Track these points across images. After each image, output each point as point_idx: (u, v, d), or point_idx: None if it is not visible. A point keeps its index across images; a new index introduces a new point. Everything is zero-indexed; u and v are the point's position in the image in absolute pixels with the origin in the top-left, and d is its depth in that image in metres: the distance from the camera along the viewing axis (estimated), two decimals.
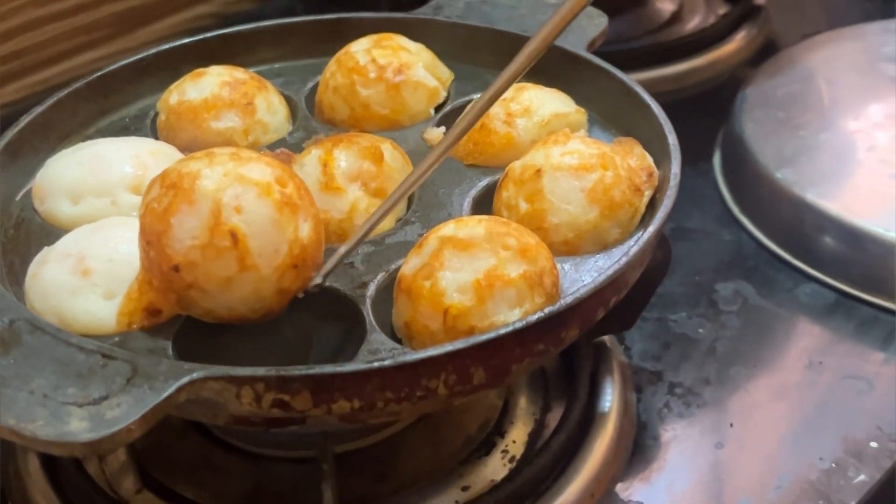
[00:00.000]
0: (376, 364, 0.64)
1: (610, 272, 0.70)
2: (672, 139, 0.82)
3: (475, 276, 0.70)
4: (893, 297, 1.00)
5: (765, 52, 1.40)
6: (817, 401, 0.91)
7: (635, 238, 0.78)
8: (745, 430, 0.89)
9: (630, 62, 0.96)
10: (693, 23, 1.46)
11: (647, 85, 0.89)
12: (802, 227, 1.06)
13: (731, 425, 0.89)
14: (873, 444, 0.87)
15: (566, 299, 0.68)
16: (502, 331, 0.66)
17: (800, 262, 1.06)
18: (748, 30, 1.44)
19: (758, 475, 0.85)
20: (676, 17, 1.47)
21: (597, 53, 0.94)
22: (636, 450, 0.87)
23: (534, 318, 0.67)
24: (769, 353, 0.97)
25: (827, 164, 1.10)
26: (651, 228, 0.74)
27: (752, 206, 1.13)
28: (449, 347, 0.65)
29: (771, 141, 1.14)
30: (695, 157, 1.19)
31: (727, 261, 1.08)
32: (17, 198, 0.85)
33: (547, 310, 0.67)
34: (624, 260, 0.71)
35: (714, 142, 1.24)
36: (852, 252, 1.02)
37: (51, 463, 0.84)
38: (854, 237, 1.02)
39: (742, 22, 1.45)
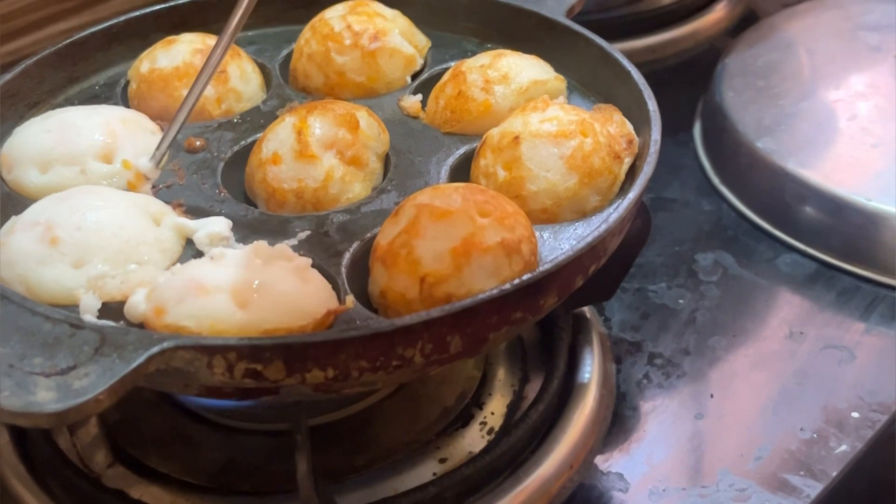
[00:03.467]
0: (351, 333, 0.63)
1: (589, 239, 0.69)
2: (652, 105, 0.80)
3: (452, 243, 0.69)
4: (874, 267, 0.99)
5: (745, 22, 1.39)
6: (798, 371, 0.91)
7: (615, 205, 0.77)
8: (724, 401, 0.88)
9: (609, 32, 0.94)
10: None
11: (626, 55, 0.87)
12: (783, 196, 1.05)
13: (711, 396, 0.89)
14: (855, 415, 0.86)
15: (544, 266, 0.67)
16: (479, 298, 0.65)
17: (780, 231, 1.05)
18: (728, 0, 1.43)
19: (738, 446, 0.84)
20: None
21: (576, 22, 0.92)
22: (615, 421, 0.87)
23: (511, 285, 0.65)
24: (749, 324, 0.96)
25: (807, 133, 1.09)
26: (631, 195, 0.73)
27: (732, 176, 1.12)
28: (424, 316, 0.64)
29: (751, 110, 1.13)
30: (675, 128, 1.18)
31: (707, 231, 1.07)
32: None
33: (524, 277, 0.66)
34: (603, 227, 0.70)
35: (694, 112, 1.23)
36: (833, 222, 1.02)
37: (21, 437, 0.83)
38: (835, 207, 1.02)
39: None
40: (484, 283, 0.69)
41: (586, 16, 0.96)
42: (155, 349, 0.61)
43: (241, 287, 0.66)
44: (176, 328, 0.65)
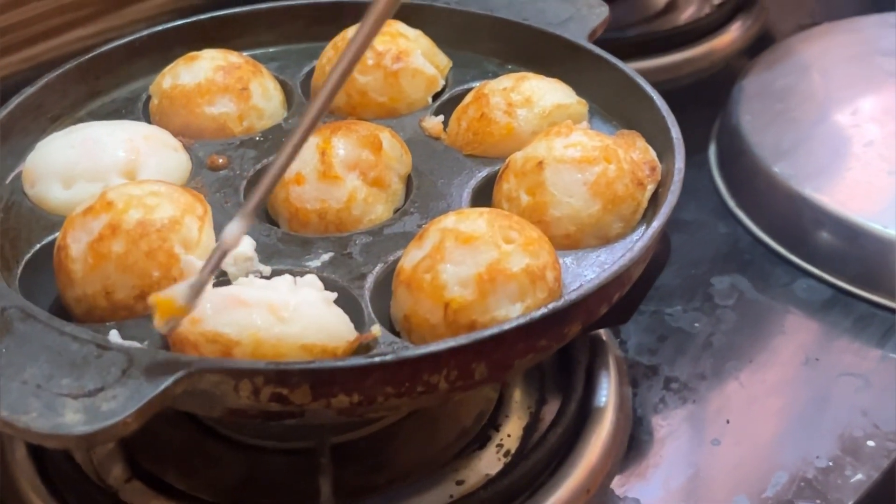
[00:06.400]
0: (378, 359, 0.63)
1: (615, 268, 0.69)
2: (675, 133, 0.81)
3: (477, 269, 0.69)
4: (891, 294, 0.99)
5: (760, 43, 1.39)
6: (814, 398, 0.91)
7: (638, 233, 0.77)
8: (741, 427, 0.88)
9: (625, 51, 0.95)
10: (688, 12, 1.44)
11: (641, 74, 0.88)
12: (799, 221, 1.05)
13: (728, 421, 0.89)
14: (870, 443, 0.86)
15: (571, 295, 0.67)
16: (506, 326, 0.65)
17: (796, 256, 1.05)
18: (743, 20, 1.43)
19: (754, 472, 0.84)
20: (672, 6, 1.45)
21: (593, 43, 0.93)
22: (632, 445, 0.87)
23: (538, 313, 0.66)
24: (765, 349, 0.96)
25: (825, 158, 1.09)
26: (655, 224, 0.73)
27: (748, 200, 1.12)
28: (451, 343, 0.64)
29: (768, 133, 1.13)
30: (690, 149, 1.16)
31: (723, 254, 1.07)
32: (7, 180, 0.83)
33: (551, 305, 0.66)
34: (628, 256, 0.71)
35: (709, 133, 1.23)
36: (849, 248, 1.02)
37: (38, 451, 0.83)
38: (851, 233, 1.02)
39: (737, 12, 1.43)
40: (508, 309, 0.69)
41: (601, 35, 0.97)
42: (182, 372, 0.61)
43: (278, 305, 0.66)
44: (213, 335, 0.65)
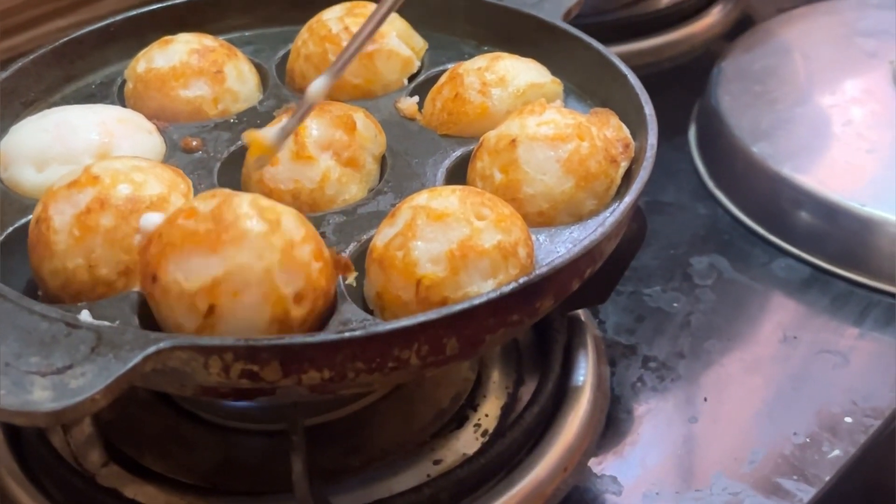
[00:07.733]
0: (347, 334, 0.63)
1: (585, 242, 0.69)
2: (648, 109, 0.81)
3: (448, 246, 0.69)
4: (868, 273, 1.00)
5: (740, 27, 1.39)
6: (792, 375, 0.91)
7: (611, 209, 0.77)
8: (718, 405, 0.89)
9: (605, 35, 0.94)
10: None
11: (622, 58, 0.87)
12: (778, 201, 1.06)
13: (705, 399, 0.89)
14: (848, 419, 0.86)
15: (541, 269, 0.67)
16: (476, 301, 0.65)
17: (775, 236, 1.05)
18: (724, 4, 1.43)
19: (731, 449, 0.85)
20: None
21: (572, 26, 0.93)
22: (609, 423, 0.87)
23: (508, 288, 0.66)
24: (744, 328, 0.96)
25: (803, 138, 1.10)
26: (627, 199, 0.73)
27: (727, 180, 1.12)
28: (421, 318, 0.64)
29: (747, 115, 1.13)
30: (670, 131, 1.18)
31: (702, 235, 1.07)
32: None
33: (521, 280, 0.66)
34: (600, 230, 0.70)
35: (689, 116, 1.24)
36: (828, 227, 1.02)
37: (15, 435, 0.83)
38: (829, 212, 1.02)
39: None
40: (480, 285, 0.69)
41: (582, 19, 0.96)
42: (151, 349, 0.61)
43: None
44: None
